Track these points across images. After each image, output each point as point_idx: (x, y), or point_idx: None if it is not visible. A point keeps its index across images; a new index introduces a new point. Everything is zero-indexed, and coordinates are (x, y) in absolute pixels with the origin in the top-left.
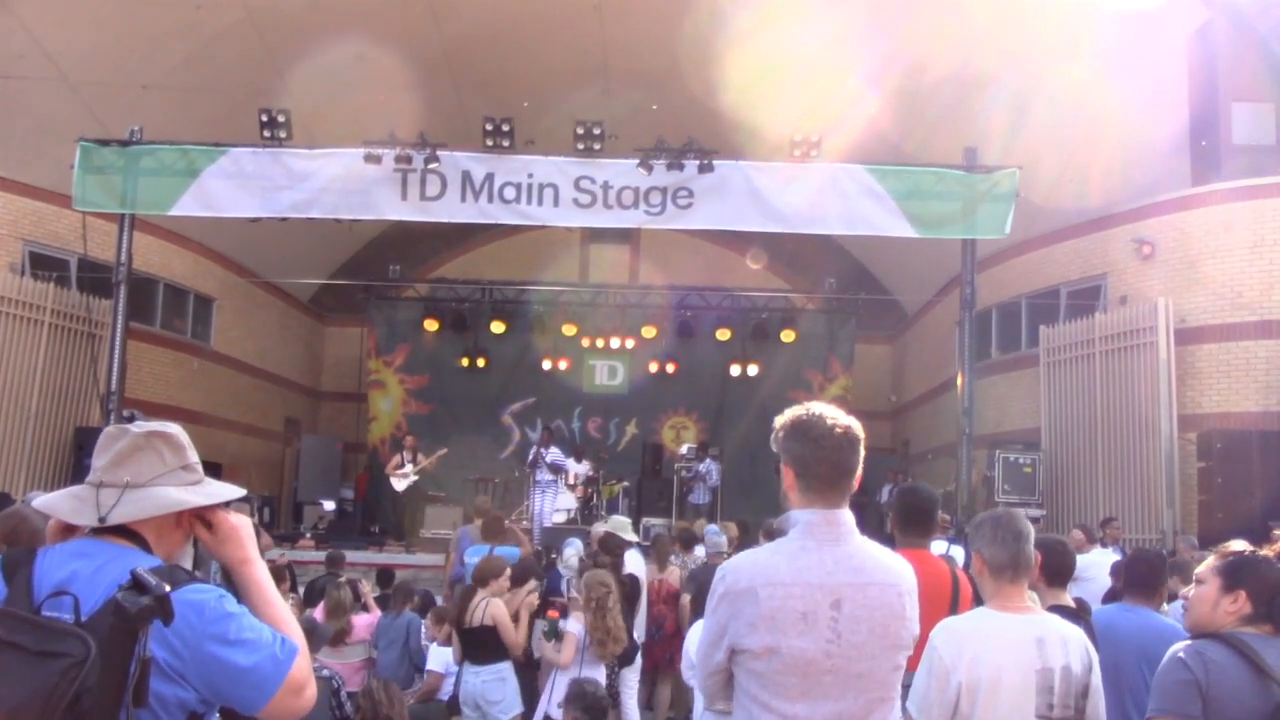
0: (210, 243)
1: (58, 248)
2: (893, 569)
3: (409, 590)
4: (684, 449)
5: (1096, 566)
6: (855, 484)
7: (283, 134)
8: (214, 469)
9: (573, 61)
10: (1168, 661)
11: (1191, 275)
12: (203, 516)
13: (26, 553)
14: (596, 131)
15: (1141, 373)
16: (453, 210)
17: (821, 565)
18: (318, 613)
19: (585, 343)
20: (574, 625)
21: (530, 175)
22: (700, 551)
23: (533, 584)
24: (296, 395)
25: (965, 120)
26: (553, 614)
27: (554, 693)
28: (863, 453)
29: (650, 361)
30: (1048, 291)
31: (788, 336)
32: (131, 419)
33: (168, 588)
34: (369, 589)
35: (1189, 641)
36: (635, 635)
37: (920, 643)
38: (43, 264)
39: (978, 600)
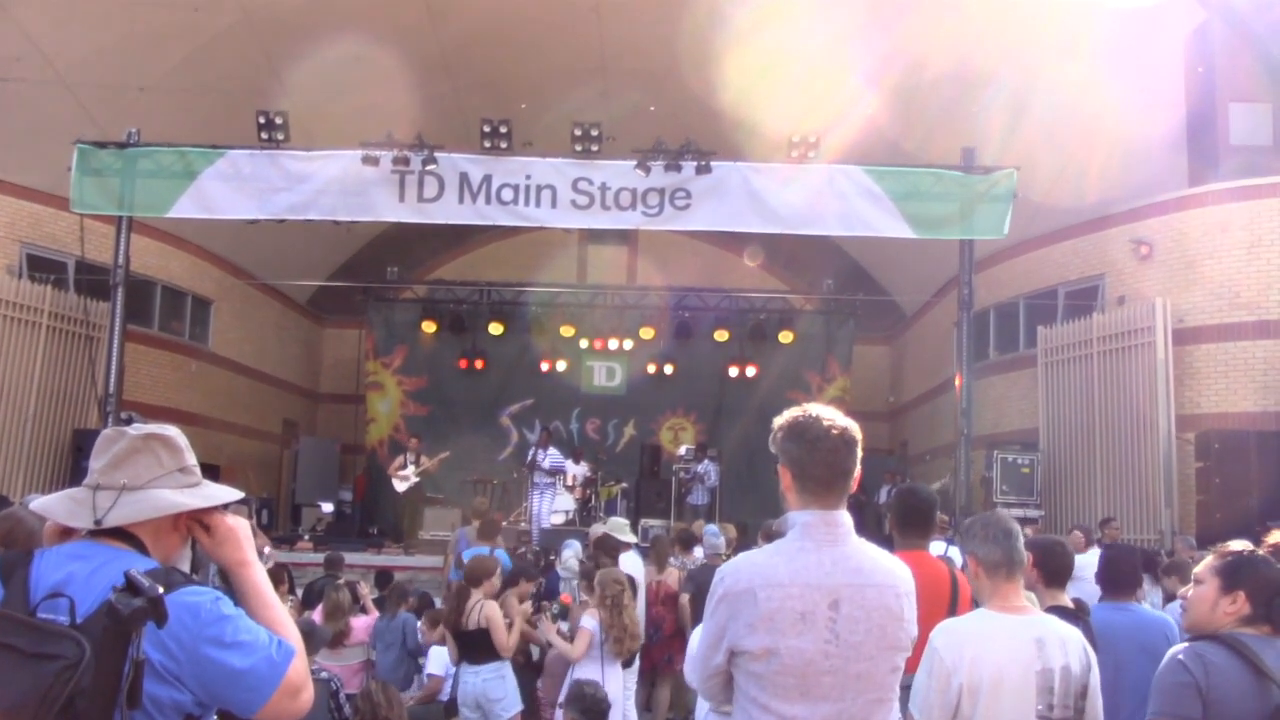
0: (208, 244)
1: (55, 250)
2: (891, 571)
3: (404, 591)
4: (682, 450)
5: (1094, 567)
6: (853, 485)
7: (280, 136)
8: (212, 471)
9: (570, 62)
10: (1167, 663)
11: (1189, 275)
12: (200, 519)
13: (23, 555)
14: (594, 133)
15: (1139, 373)
16: (450, 212)
17: (820, 566)
18: (316, 615)
19: (583, 344)
20: (589, 620)
21: (528, 176)
22: (699, 552)
23: (526, 587)
24: (294, 397)
25: (963, 120)
26: (565, 598)
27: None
28: (860, 454)
29: (648, 362)
30: (1046, 292)
31: (786, 337)
32: (129, 421)
33: (161, 590)
34: (367, 591)
35: (1188, 643)
36: None
37: (919, 643)
38: (40, 266)
39: (977, 601)
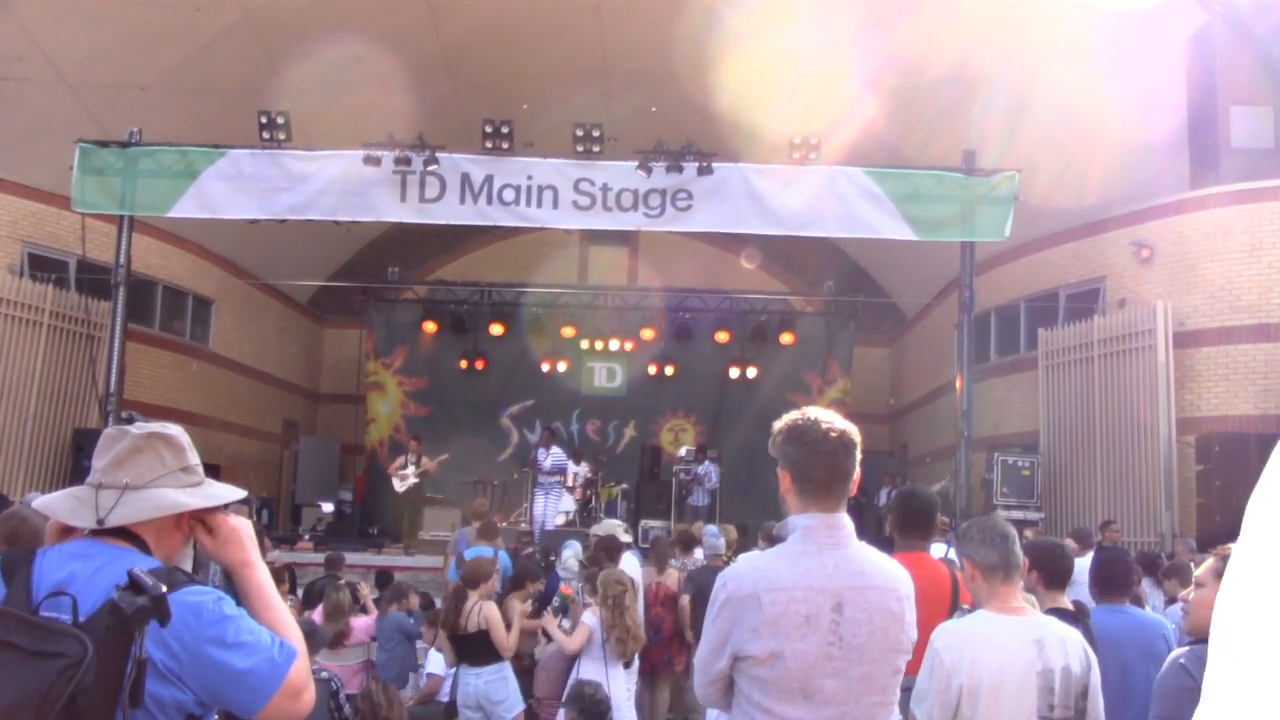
0: (209, 244)
1: (56, 249)
2: (891, 574)
3: (400, 590)
4: (682, 451)
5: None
6: (852, 488)
7: (281, 135)
8: (212, 470)
9: (572, 63)
10: (1169, 667)
11: (1190, 278)
12: (202, 519)
13: (26, 553)
14: (595, 134)
15: (1140, 376)
16: (452, 212)
17: (823, 569)
18: (317, 615)
19: (584, 345)
20: (590, 617)
21: (529, 177)
22: (699, 554)
23: (529, 589)
24: (295, 397)
25: (964, 122)
26: (566, 590)
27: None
28: (859, 457)
29: (649, 363)
30: (1046, 294)
31: (786, 339)
32: (130, 420)
33: (164, 589)
34: (368, 591)
35: (1189, 646)
36: None
37: (920, 644)
38: (41, 265)
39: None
